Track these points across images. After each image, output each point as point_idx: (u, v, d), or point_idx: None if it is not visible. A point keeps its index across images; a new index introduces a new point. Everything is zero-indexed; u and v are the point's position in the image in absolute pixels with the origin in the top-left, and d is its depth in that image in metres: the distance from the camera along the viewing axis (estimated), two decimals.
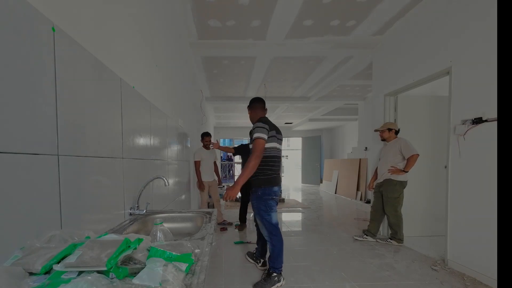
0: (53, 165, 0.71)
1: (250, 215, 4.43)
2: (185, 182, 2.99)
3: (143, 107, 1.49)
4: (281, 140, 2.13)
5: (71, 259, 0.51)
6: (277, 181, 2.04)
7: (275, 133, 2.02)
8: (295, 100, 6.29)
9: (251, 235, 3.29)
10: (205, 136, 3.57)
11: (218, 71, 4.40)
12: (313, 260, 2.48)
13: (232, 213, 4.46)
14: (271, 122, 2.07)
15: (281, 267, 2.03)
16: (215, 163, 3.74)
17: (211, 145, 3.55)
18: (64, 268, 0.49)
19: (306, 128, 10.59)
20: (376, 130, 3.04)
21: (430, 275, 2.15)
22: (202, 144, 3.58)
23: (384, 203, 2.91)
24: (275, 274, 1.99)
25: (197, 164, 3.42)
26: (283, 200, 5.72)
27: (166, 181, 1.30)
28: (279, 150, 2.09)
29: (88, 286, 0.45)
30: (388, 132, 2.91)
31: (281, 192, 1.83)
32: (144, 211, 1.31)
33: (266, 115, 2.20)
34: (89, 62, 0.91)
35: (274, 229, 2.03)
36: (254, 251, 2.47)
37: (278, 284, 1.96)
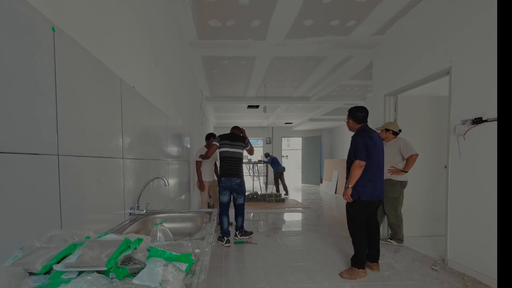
0: (53, 165, 0.71)
1: (250, 215, 4.44)
2: (185, 182, 3.00)
3: (143, 107, 1.49)
4: (233, 145, 2.98)
5: (71, 259, 0.51)
6: (223, 174, 2.98)
7: (228, 141, 2.97)
8: (295, 100, 6.29)
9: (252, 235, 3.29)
10: (211, 137, 3.57)
11: (218, 71, 4.40)
12: (313, 260, 2.48)
13: (231, 213, 4.45)
14: (227, 134, 3.05)
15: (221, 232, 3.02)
16: (215, 163, 3.73)
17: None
18: (64, 268, 0.49)
19: (306, 128, 10.59)
20: (376, 129, 3.03)
21: (430, 275, 2.15)
22: (205, 144, 3.56)
23: (384, 203, 2.91)
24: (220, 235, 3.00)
25: (198, 164, 3.40)
26: (283, 200, 5.73)
27: (166, 181, 1.30)
28: (228, 152, 2.96)
29: (88, 286, 0.45)
30: (385, 133, 2.90)
31: (237, 185, 3.00)
32: (144, 211, 1.31)
33: (233, 131, 3.16)
34: (89, 62, 0.91)
35: (220, 205, 3.09)
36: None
37: (220, 242, 2.93)
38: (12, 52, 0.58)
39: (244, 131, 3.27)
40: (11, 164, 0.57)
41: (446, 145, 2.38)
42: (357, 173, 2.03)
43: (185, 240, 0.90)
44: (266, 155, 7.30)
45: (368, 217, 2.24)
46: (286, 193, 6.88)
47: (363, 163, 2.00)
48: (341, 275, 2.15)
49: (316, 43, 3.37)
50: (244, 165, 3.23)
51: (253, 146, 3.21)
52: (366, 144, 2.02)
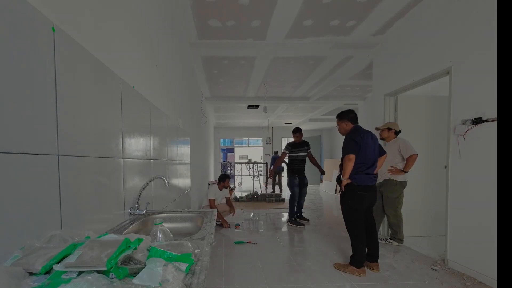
0: (53, 165, 0.71)
1: (251, 215, 4.44)
2: (185, 182, 2.99)
3: (143, 107, 1.49)
4: (297, 150, 3.81)
5: (71, 259, 0.51)
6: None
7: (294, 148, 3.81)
8: (295, 100, 6.29)
9: (251, 234, 3.29)
10: (227, 178, 3.78)
11: (218, 71, 4.40)
12: (313, 260, 2.48)
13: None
14: (296, 143, 3.85)
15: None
16: (228, 199, 3.89)
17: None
18: (64, 268, 0.49)
19: (306, 128, 10.58)
20: (377, 129, 3.03)
21: (430, 275, 2.15)
22: (216, 183, 3.74)
23: (384, 203, 2.91)
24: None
25: (211, 202, 3.48)
26: (283, 200, 5.73)
27: (166, 181, 1.30)
28: (294, 156, 3.83)
29: (88, 286, 0.45)
30: (388, 132, 2.90)
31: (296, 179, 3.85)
32: (144, 211, 1.31)
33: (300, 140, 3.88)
34: (89, 62, 0.91)
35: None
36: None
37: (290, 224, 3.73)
38: (12, 52, 0.58)
39: (295, 135, 3.82)
40: (11, 164, 0.57)
41: (446, 145, 2.37)
42: (347, 165, 2.16)
43: (185, 240, 0.90)
44: (275, 152, 8.34)
45: (365, 217, 2.28)
46: (280, 191, 7.19)
47: (352, 156, 2.15)
48: (334, 265, 2.32)
49: (316, 43, 3.37)
50: (286, 165, 4.08)
51: (282, 155, 3.82)
52: (355, 140, 2.17)
